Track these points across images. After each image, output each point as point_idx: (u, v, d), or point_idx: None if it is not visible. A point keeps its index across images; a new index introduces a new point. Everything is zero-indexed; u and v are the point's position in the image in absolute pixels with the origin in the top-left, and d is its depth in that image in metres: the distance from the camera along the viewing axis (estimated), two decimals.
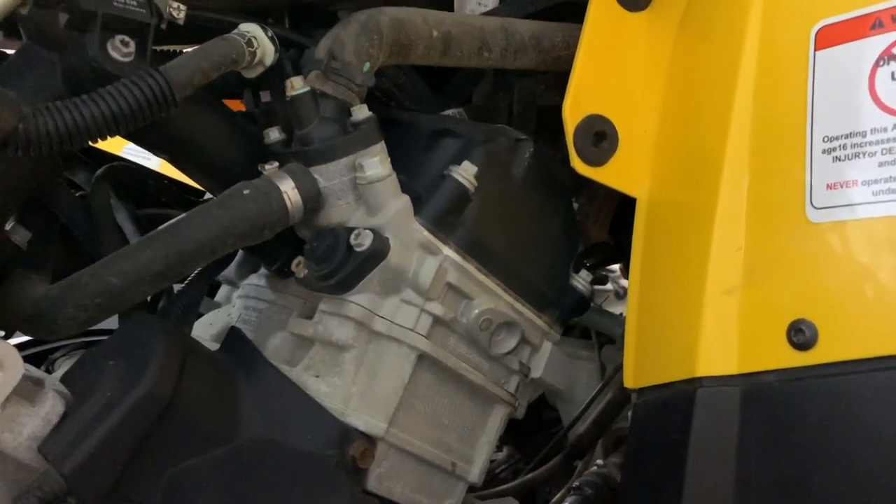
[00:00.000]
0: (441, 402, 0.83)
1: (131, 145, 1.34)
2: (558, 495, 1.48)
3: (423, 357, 0.80)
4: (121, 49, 0.68)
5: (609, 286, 1.72)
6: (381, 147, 0.78)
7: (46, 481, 0.62)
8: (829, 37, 0.73)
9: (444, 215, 0.80)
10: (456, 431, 0.84)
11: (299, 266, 0.79)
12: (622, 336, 1.51)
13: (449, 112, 0.98)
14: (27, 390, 0.64)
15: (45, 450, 0.63)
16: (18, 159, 0.69)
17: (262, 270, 0.92)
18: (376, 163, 0.77)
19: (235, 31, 0.76)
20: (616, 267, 1.67)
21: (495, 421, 0.88)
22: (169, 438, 0.67)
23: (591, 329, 1.60)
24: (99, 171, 0.90)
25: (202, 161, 0.81)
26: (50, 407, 0.65)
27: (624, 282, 1.68)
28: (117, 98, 0.64)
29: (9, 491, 0.63)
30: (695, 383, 0.76)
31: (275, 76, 0.81)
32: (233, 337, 0.81)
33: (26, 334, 0.74)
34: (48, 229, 0.80)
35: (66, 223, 0.82)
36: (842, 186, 0.70)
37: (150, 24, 0.69)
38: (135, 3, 0.68)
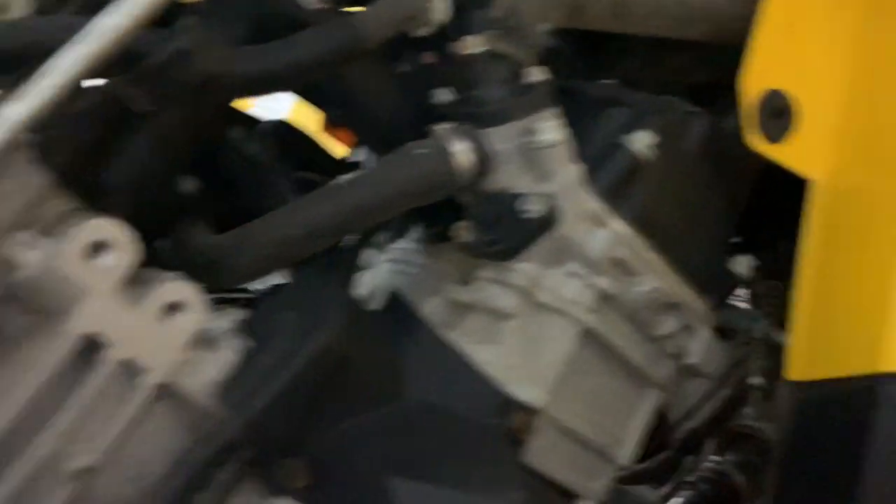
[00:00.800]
0: (599, 380, 0.80)
1: (261, 102, 1.33)
2: (664, 489, 1.44)
3: (586, 332, 0.77)
4: None
5: None
6: (556, 111, 0.75)
7: (225, 428, 0.62)
8: None
9: (617, 186, 0.77)
10: (610, 411, 0.81)
11: (464, 231, 0.77)
12: (746, 331, 1.45)
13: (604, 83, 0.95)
14: (208, 336, 0.64)
15: (224, 397, 0.63)
16: (203, 106, 0.69)
17: (412, 234, 0.90)
18: (552, 127, 0.74)
19: None
20: None
21: (648, 404, 0.84)
22: (339, 393, 0.67)
23: None
24: (265, 126, 0.90)
25: (370, 117, 0.80)
26: (230, 354, 0.64)
27: None
28: (311, 45, 0.63)
29: (188, 435, 0.63)
30: (878, 379, 0.71)
31: (442, 35, 0.79)
32: (393, 299, 0.80)
33: (196, 282, 0.74)
34: (215, 180, 0.80)
35: (231, 175, 0.82)
36: None
37: None
38: None
